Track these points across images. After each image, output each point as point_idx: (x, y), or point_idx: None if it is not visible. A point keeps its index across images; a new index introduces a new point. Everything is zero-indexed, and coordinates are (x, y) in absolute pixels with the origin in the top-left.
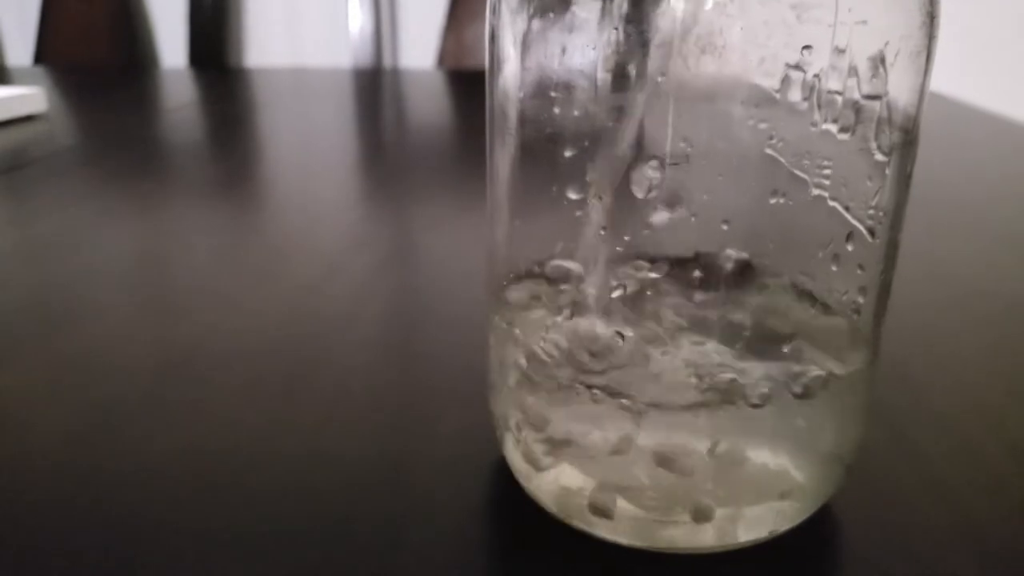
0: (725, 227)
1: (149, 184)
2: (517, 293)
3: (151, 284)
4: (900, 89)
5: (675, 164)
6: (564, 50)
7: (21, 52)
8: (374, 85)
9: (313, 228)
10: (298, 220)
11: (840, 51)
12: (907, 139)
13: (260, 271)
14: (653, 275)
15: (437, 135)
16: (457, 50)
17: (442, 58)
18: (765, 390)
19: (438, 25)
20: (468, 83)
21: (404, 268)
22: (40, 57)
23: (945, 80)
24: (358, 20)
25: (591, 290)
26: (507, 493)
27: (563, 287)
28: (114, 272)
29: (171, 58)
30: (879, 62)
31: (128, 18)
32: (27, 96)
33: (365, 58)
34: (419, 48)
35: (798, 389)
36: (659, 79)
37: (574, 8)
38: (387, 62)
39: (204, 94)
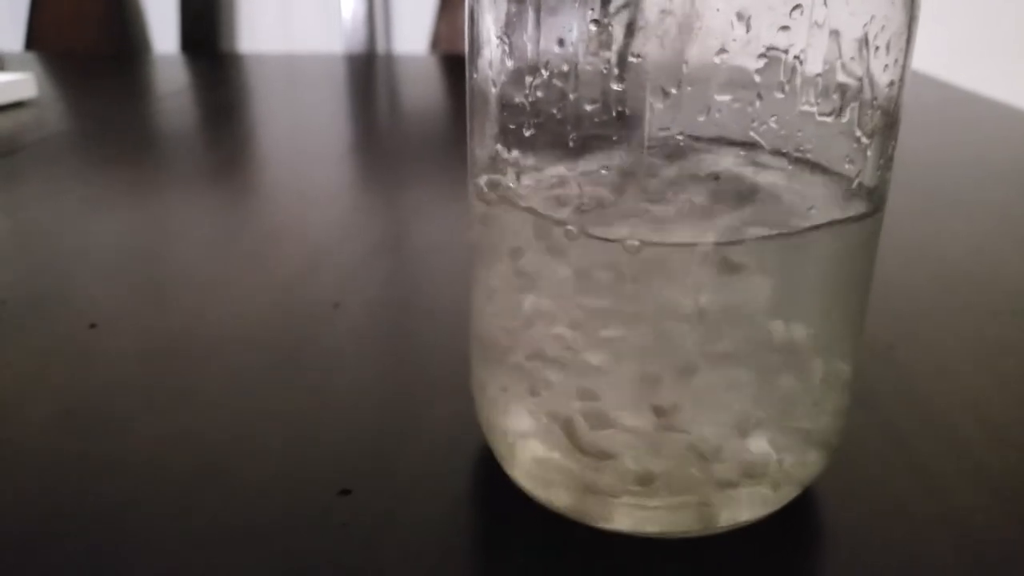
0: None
1: (140, 170)
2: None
3: (141, 270)
4: (882, 70)
5: (652, 147)
6: (544, 32)
7: (11, 37)
8: (367, 70)
9: (305, 215)
10: (290, 207)
11: (822, 32)
12: (888, 121)
13: (251, 258)
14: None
15: (430, 120)
16: (450, 34)
17: (435, 43)
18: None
19: (431, 9)
20: (462, 68)
21: (396, 255)
22: (31, 42)
23: (939, 63)
24: (351, 5)
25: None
26: (494, 478)
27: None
28: (104, 258)
29: (163, 44)
30: (861, 43)
31: (119, 3)
32: (18, 82)
33: (358, 43)
34: (412, 33)
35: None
36: (638, 61)
37: None
38: (380, 47)
39: (196, 80)
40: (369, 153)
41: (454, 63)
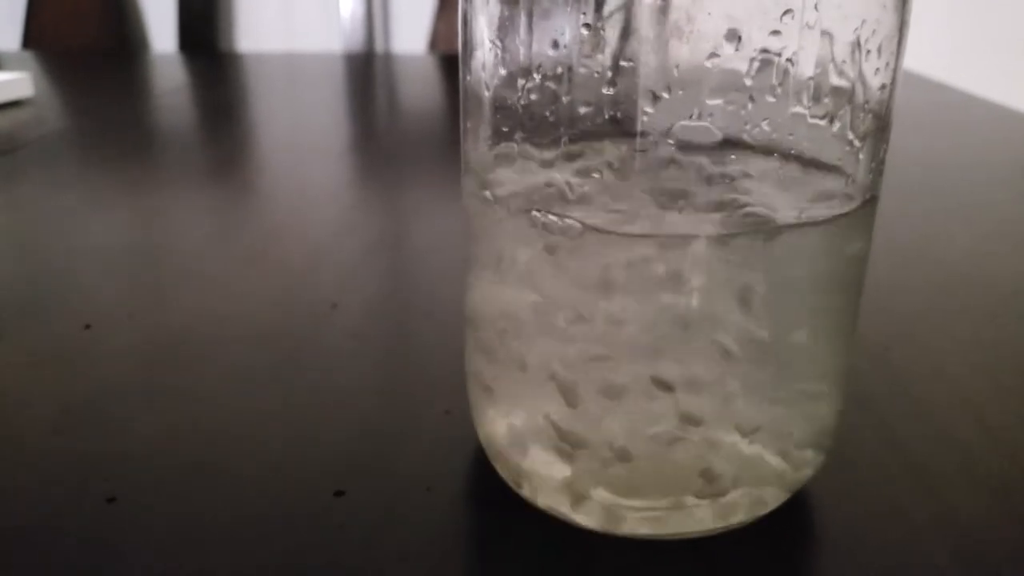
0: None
1: (139, 169)
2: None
3: (140, 269)
4: (873, 74)
5: (643, 151)
6: (536, 36)
7: (9, 36)
8: (366, 70)
9: (304, 213)
10: (289, 205)
11: (813, 35)
12: (880, 124)
13: (250, 256)
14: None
15: (428, 119)
16: (448, 34)
17: (434, 42)
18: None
19: (429, 9)
20: None
21: (394, 254)
22: (28, 41)
23: (940, 64)
24: (349, 4)
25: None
26: (493, 478)
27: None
28: (102, 257)
29: (161, 42)
30: (853, 46)
31: (118, 1)
32: (14, 81)
33: (357, 43)
34: (411, 32)
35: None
36: (630, 65)
37: None
38: (379, 47)
39: (195, 79)
40: (367, 152)
41: (452, 63)
